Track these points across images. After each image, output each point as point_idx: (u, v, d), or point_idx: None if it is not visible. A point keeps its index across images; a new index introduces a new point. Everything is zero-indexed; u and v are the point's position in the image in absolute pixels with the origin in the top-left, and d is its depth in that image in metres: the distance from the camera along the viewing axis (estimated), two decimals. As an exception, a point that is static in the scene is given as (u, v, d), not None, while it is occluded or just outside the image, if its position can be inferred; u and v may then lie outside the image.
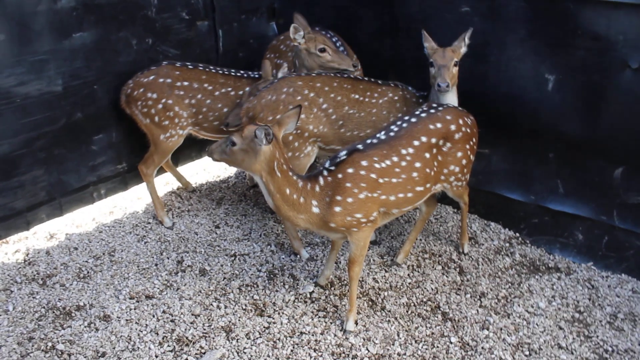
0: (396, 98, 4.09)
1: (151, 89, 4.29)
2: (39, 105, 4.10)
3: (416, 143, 3.46)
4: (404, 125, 3.53)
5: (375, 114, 4.07)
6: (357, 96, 4.07)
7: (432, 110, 3.64)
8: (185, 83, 4.35)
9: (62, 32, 4.11)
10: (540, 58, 3.99)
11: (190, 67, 4.44)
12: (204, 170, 5.53)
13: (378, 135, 3.50)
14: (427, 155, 3.49)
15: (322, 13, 5.08)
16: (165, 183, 5.18)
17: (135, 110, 4.35)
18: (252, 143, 3.10)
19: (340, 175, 3.28)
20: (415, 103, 4.10)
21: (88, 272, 4.03)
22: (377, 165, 3.33)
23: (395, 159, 3.38)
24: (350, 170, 3.28)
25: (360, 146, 3.39)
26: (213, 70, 4.48)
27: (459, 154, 3.65)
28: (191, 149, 5.14)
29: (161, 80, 4.32)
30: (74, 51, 4.20)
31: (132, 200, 4.94)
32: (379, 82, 4.18)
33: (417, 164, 3.44)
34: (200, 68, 4.45)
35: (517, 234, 4.45)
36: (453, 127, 3.60)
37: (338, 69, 4.21)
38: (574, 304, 3.76)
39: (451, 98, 3.90)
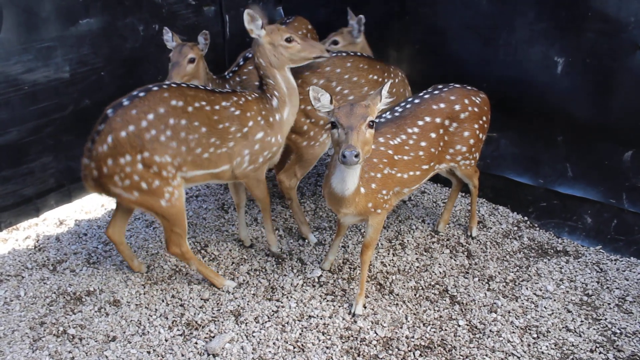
0: (396, 80, 4.11)
1: None
2: (47, 92, 4.12)
3: (420, 123, 3.49)
4: (407, 106, 3.56)
5: None
6: (375, 77, 4.03)
7: (436, 92, 3.66)
8: None
9: (69, 18, 4.12)
10: (550, 41, 3.95)
11: None
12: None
13: (384, 115, 3.52)
14: (433, 135, 3.51)
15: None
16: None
17: None
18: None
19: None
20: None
21: (98, 258, 4.06)
22: (391, 142, 3.37)
23: (403, 137, 3.43)
24: (373, 147, 3.27)
25: None
26: None
27: (466, 134, 3.65)
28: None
29: None
30: (81, 38, 4.20)
31: (141, 186, 4.96)
32: (385, 63, 4.18)
33: (423, 143, 3.47)
34: None
35: (526, 218, 4.44)
36: (457, 107, 3.61)
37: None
38: (582, 287, 3.76)
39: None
